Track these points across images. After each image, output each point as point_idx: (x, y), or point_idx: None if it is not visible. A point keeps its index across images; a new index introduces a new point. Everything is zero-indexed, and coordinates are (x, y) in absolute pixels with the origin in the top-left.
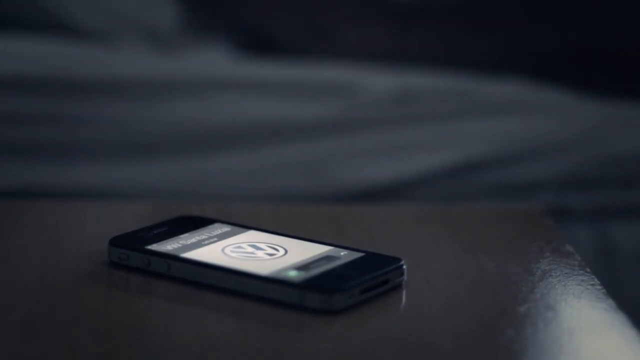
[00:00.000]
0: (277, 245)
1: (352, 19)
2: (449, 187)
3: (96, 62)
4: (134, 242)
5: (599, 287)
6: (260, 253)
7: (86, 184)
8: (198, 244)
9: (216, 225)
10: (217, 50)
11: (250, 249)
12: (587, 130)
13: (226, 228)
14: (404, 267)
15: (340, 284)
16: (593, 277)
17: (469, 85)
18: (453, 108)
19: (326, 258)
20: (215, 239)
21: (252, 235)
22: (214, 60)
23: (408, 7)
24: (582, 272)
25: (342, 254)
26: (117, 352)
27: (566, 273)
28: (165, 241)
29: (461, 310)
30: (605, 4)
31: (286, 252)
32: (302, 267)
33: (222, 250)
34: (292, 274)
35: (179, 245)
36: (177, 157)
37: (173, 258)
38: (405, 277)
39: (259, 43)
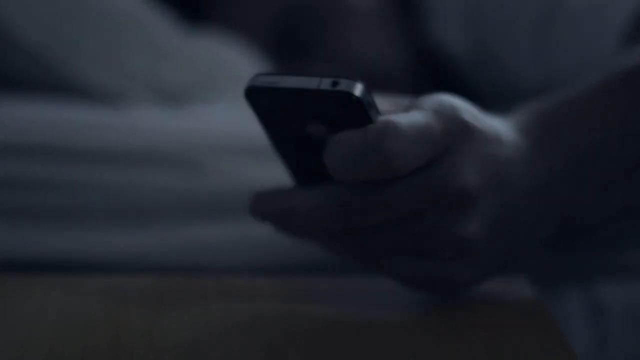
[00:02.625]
0: None
1: None
2: None
3: (99, 128)
4: None
5: None
6: None
7: (84, 251)
8: None
9: None
10: (223, 107)
11: None
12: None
13: None
14: None
15: None
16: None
17: None
18: None
19: None
20: None
21: None
22: (217, 122)
23: None
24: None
25: None
26: None
27: None
28: None
29: None
30: None
31: None
32: None
33: None
34: None
35: None
36: (176, 224)
37: None
38: None
39: None
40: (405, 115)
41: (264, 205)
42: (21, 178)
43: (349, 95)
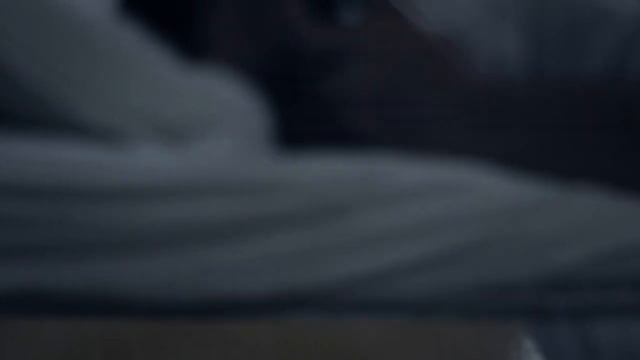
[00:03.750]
0: None
1: None
2: (413, 285)
3: (98, 166)
4: None
5: None
6: None
7: (86, 283)
8: None
9: None
10: (224, 145)
11: None
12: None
13: None
14: None
15: None
16: None
17: None
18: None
19: None
20: None
21: None
22: (218, 158)
23: None
24: None
25: None
26: None
27: None
28: None
29: None
30: None
31: None
32: None
33: None
34: None
35: None
36: (174, 254)
37: None
38: None
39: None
40: None
41: None
42: (19, 217)
43: None
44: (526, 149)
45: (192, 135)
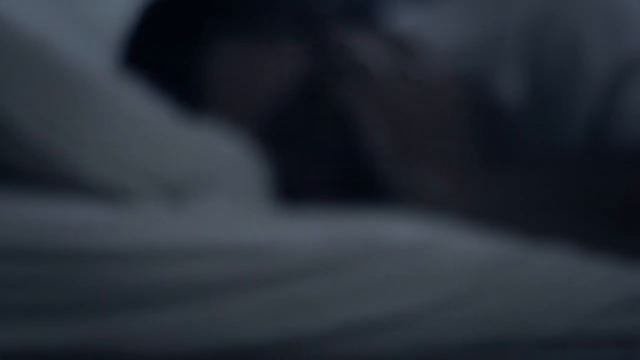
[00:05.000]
0: None
1: None
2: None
3: (104, 228)
4: None
5: None
6: None
7: (92, 342)
8: None
9: None
10: (224, 203)
11: None
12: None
13: None
14: None
15: None
16: None
17: None
18: None
19: None
20: None
21: None
22: (218, 218)
23: None
24: None
25: None
26: None
27: None
28: None
29: None
30: None
31: None
32: None
33: None
34: None
35: None
36: (178, 310)
37: None
38: None
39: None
40: None
41: None
42: (25, 278)
43: None
44: (499, 207)
45: (192, 192)
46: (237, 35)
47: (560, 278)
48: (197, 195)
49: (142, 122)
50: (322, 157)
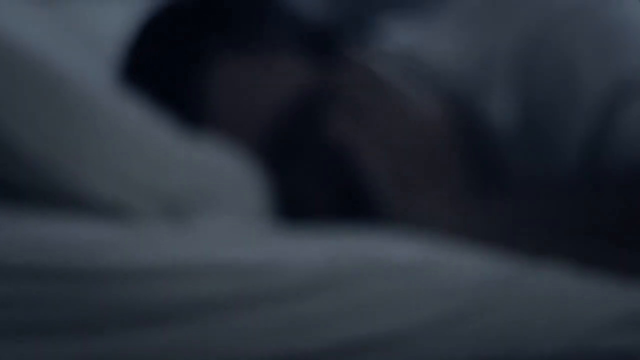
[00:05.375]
0: None
1: None
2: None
3: (107, 246)
4: None
5: None
6: None
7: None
8: None
9: None
10: (225, 221)
11: None
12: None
13: None
14: None
15: None
16: None
17: None
18: None
19: None
20: None
21: None
22: (220, 237)
23: None
24: None
25: None
26: None
27: None
28: None
29: None
30: None
31: None
32: None
33: None
34: None
35: None
36: (176, 326)
37: None
38: None
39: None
40: None
41: None
42: (28, 297)
43: None
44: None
45: (193, 209)
46: (237, 51)
47: (556, 296)
48: (198, 212)
49: (143, 139)
50: (320, 174)
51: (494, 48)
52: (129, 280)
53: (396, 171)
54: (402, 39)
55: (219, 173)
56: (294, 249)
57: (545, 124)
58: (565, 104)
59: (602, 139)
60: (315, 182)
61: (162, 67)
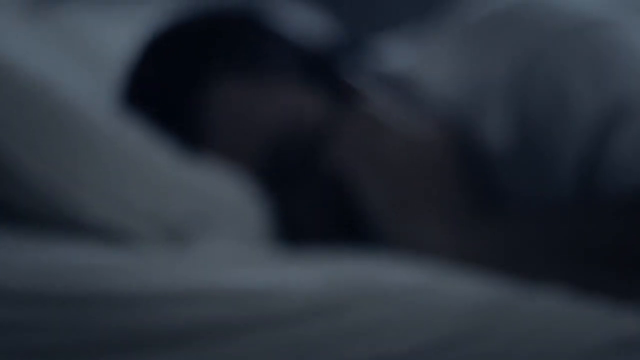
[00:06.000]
0: None
1: None
2: None
3: (108, 272)
4: None
5: None
6: None
7: None
8: None
9: None
10: (225, 245)
11: None
12: None
13: None
14: None
15: None
16: None
17: None
18: None
19: None
20: None
21: None
22: (220, 262)
23: None
24: None
25: None
26: None
27: None
28: None
29: None
30: None
31: None
32: None
33: None
34: None
35: None
36: (176, 351)
37: None
38: None
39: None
40: None
41: None
42: (30, 322)
43: None
44: (489, 253)
45: (193, 233)
46: (237, 75)
47: (551, 320)
48: (197, 236)
49: (143, 163)
50: (318, 199)
51: (489, 71)
52: (129, 305)
53: (393, 195)
54: (399, 61)
55: (219, 197)
56: (292, 273)
57: (540, 147)
58: (559, 127)
59: (595, 162)
60: (313, 206)
61: (162, 90)
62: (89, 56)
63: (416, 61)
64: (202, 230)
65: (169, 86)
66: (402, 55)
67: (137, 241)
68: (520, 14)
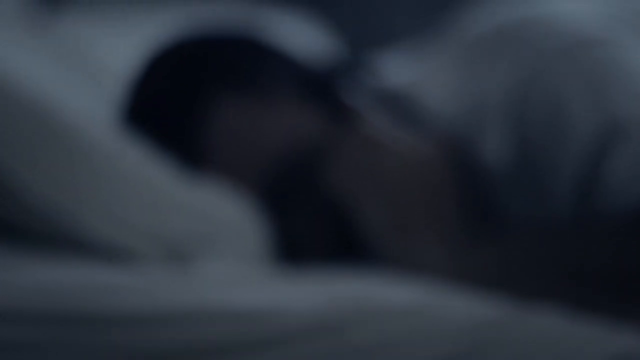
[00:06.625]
0: None
1: None
2: None
3: (109, 292)
4: None
5: None
6: None
7: None
8: None
9: None
10: (226, 265)
11: None
12: None
13: None
14: None
15: None
16: None
17: None
18: None
19: None
20: None
21: None
22: (221, 282)
23: None
24: None
25: None
26: None
27: None
28: None
29: None
30: None
31: None
32: None
33: None
34: None
35: None
36: None
37: None
38: None
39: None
40: None
41: None
42: (31, 342)
43: None
44: (487, 272)
45: (194, 253)
46: (237, 94)
47: (549, 339)
48: (198, 256)
49: (144, 183)
50: (318, 219)
51: (488, 88)
52: (130, 325)
53: (391, 215)
54: (397, 77)
55: (220, 217)
56: (293, 293)
57: (537, 166)
58: (556, 147)
59: (592, 182)
60: (313, 225)
61: (163, 109)
62: (89, 69)
63: (415, 77)
64: (203, 250)
65: (170, 105)
66: (401, 70)
67: (138, 261)
68: (519, 31)
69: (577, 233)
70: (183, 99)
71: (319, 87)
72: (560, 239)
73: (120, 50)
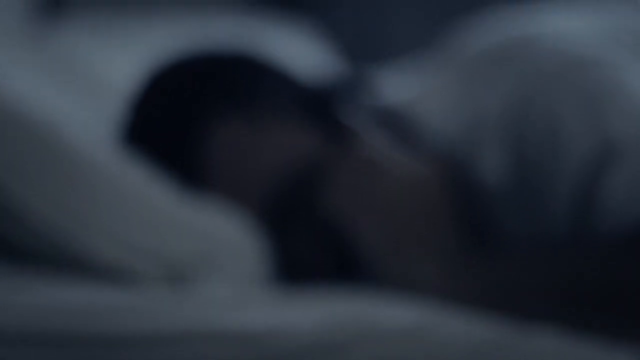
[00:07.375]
0: None
1: None
2: None
3: (110, 313)
4: None
5: None
6: None
7: None
8: None
9: None
10: (226, 286)
11: None
12: None
13: None
14: None
15: None
16: None
17: None
18: None
19: None
20: None
21: None
22: (221, 303)
23: None
24: None
25: None
26: None
27: None
28: None
29: None
30: None
31: None
32: None
33: None
34: None
35: None
36: None
37: None
38: None
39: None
40: None
41: None
42: None
43: None
44: (484, 292)
45: (194, 273)
46: (236, 115)
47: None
48: (199, 276)
49: (145, 203)
50: (317, 240)
51: (485, 107)
52: (132, 346)
53: (388, 236)
54: (396, 95)
55: (220, 237)
56: (292, 314)
57: (534, 184)
58: (553, 166)
59: (588, 202)
60: (311, 246)
61: (163, 129)
62: (88, 84)
63: (414, 95)
64: (204, 270)
65: (170, 125)
66: (400, 88)
67: (139, 281)
68: (517, 50)
69: (574, 253)
70: (183, 119)
71: (318, 107)
72: (557, 258)
73: (119, 64)
